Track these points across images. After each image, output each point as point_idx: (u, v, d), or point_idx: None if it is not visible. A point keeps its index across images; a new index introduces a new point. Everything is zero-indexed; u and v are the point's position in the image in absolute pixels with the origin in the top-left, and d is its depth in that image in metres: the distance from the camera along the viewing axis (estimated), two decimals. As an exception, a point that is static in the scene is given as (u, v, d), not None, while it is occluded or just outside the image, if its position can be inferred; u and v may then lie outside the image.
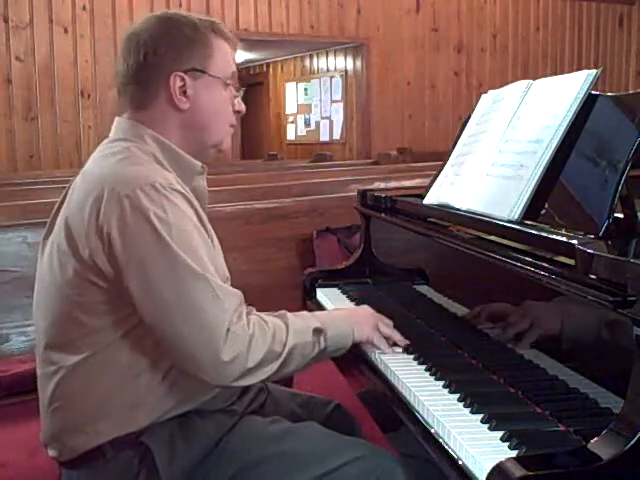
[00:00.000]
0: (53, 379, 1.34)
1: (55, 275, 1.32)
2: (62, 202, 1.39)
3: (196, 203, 1.35)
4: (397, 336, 1.52)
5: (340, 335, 1.42)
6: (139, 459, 1.31)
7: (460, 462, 1.08)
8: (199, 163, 1.45)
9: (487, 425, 1.13)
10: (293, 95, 9.71)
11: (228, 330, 1.23)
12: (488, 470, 0.98)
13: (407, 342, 1.52)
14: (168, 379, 1.33)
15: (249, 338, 1.26)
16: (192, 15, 1.45)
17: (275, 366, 1.30)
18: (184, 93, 1.39)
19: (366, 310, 1.56)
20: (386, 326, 1.52)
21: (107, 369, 1.31)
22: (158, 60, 1.38)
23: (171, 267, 1.23)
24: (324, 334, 1.38)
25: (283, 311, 1.40)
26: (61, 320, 1.33)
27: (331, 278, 2.12)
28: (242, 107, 1.50)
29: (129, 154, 1.34)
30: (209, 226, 1.40)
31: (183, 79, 1.39)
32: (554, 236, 1.25)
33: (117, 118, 1.44)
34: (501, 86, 1.76)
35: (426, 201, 1.81)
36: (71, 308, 1.31)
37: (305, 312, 1.44)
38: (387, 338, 1.52)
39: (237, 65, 1.51)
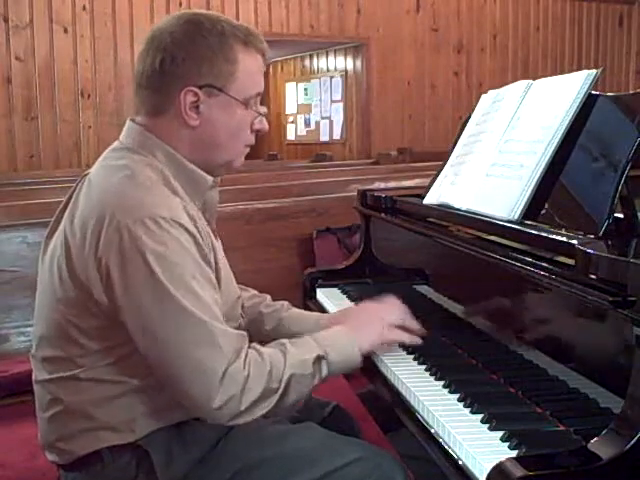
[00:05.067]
0: (47, 388, 1.33)
1: (55, 290, 1.29)
2: (67, 203, 1.35)
3: (200, 226, 1.29)
4: (411, 325, 1.48)
5: (344, 357, 1.35)
6: (136, 463, 1.30)
7: (460, 462, 1.08)
8: (211, 178, 1.37)
9: (487, 425, 1.13)
10: (293, 95, 9.71)
11: (225, 372, 1.20)
12: (488, 470, 0.98)
13: (418, 338, 1.48)
14: (165, 395, 1.30)
15: (244, 380, 1.22)
16: (224, 21, 1.33)
17: (273, 401, 1.26)
18: (196, 108, 1.30)
19: (370, 313, 1.50)
20: (395, 320, 1.48)
21: (102, 386, 1.29)
22: (174, 69, 1.29)
23: (168, 311, 1.19)
24: (326, 361, 1.32)
25: (283, 340, 1.34)
26: (58, 335, 1.30)
27: (331, 278, 2.12)
28: (264, 126, 1.40)
29: (135, 172, 1.27)
30: (217, 252, 1.36)
31: (196, 94, 1.29)
32: (554, 236, 1.25)
33: (129, 122, 1.38)
34: (501, 86, 1.76)
35: (426, 201, 1.81)
36: (68, 327, 1.28)
37: (306, 337, 1.37)
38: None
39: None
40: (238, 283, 1.70)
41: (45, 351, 1.34)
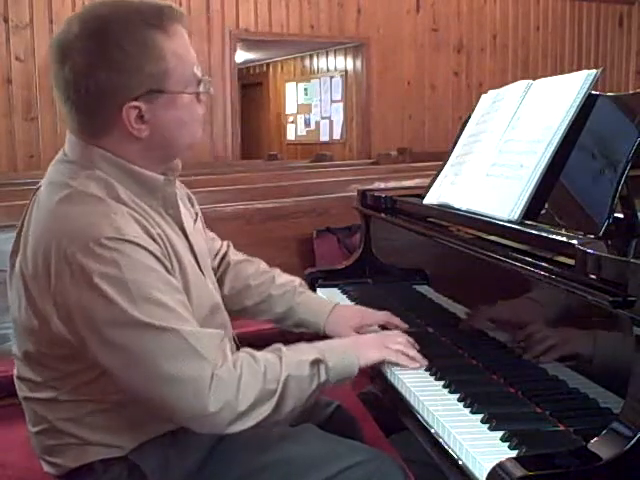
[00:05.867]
0: (31, 406, 1.32)
1: (23, 319, 1.26)
2: (24, 220, 1.29)
3: (153, 246, 1.20)
4: (411, 352, 1.42)
5: (342, 365, 1.31)
6: (128, 475, 1.28)
7: (460, 462, 1.08)
8: (162, 177, 1.30)
9: (487, 425, 1.13)
10: (293, 95, 9.72)
11: (213, 375, 1.16)
12: (488, 470, 0.98)
13: (425, 362, 1.41)
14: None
15: (237, 381, 1.17)
16: (128, 9, 1.19)
17: (272, 405, 1.20)
18: (141, 118, 1.21)
19: (373, 334, 1.49)
20: (397, 344, 1.42)
21: (82, 405, 1.26)
22: (103, 93, 1.18)
23: (133, 333, 1.14)
24: (324, 365, 1.28)
25: (278, 345, 1.30)
26: (29, 359, 1.28)
27: (331, 278, 2.12)
28: (210, 90, 1.31)
29: (77, 189, 1.21)
30: (181, 256, 1.29)
31: (137, 107, 1.20)
32: (554, 236, 1.25)
33: (70, 134, 1.28)
34: (501, 86, 1.76)
35: (426, 201, 1.81)
36: (36, 353, 1.26)
37: (303, 344, 1.33)
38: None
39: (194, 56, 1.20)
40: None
41: (21, 371, 1.32)
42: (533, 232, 1.31)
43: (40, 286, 1.19)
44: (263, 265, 1.68)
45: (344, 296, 1.99)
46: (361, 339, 1.45)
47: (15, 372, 1.35)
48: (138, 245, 1.17)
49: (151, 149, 1.27)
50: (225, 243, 1.69)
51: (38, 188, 1.31)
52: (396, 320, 1.63)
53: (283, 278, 1.66)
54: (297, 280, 1.67)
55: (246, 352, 1.25)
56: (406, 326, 1.62)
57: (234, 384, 1.18)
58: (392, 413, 1.38)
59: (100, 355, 1.18)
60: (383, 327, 1.63)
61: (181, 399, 1.16)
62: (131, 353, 1.16)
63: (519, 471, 0.93)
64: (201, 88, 1.29)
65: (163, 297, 1.17)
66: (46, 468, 1.36)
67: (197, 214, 1.52)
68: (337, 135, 8.76)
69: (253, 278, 1.63)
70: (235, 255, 1.68)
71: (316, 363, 1.28)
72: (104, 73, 1.18)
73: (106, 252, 1.14)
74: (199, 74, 1.29)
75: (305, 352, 1.29)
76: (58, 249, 1.16)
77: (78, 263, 1.14)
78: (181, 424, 1.22)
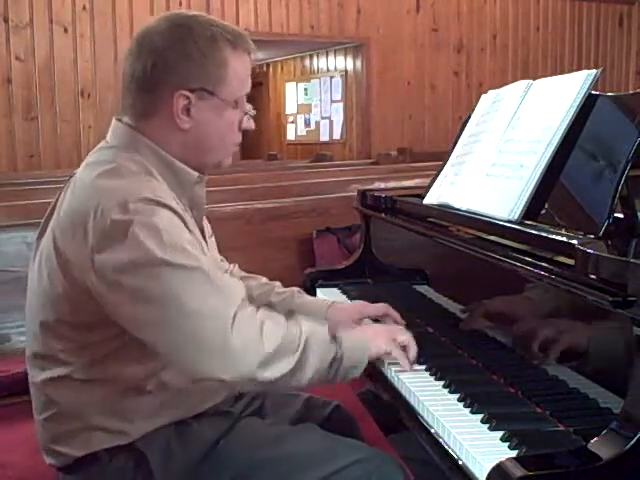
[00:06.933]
0: (41, 389, 1.34)
1: (45, 289, 1.30)
2: (55, 204, 1.35)
3: (187, 218, 1.29)
4: (412, 354, 1.41)
5: (356, 348, 1.33)
6: (134, 464, 1.30)
7: (460, 462, 1.08)
8: (196, 173, 1.37)
9: (487, 425, 1.13)
10: (293, 95, 9.71)
11: (235, 314, 1.18)
12: (488, 470, 0.98)
13: (415, 366, 1.41)
14: (160, 393, 1.31)
15: (260, 323, 1.21)
16: (213, 24, 1.33)
17: (293, 360, 1.22)
18: (187, 111, 1.31)
19: (380, 325, 1.52)
20: (403, 341, 1.42)
21: (95, 383, 1.29)
22: (166, 72, 1.29)
23: (159, 270, 1.17)
24: (339, 341, 1.30)
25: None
26: (49, 332, 1.31)
27: (331, 278, 2.12)
28: (251, 125, 1.41)
29: (118, 164, 1.28)
30: (202, 241, 1.36)
31: (188, 98, 1.30)
32: (554, 236, 1.25)
33: (115, 121, 1.37)
34: (501, 86, 1.76)
35: (426, 201, 1.81)
36: (58, 325, 1.29)
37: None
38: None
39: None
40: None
41: (37, 349, 1.34)
42: (533, 232, 1.31)
43: (76, 246, 1.22)
44: (264, 279, 1.74)
45: (344, 296, 1.99)
46: (370, 329, 1.47)
47: (27, 353, 1.37)
48: (174, 212, 1.24)
49: (187, 146, 1.34)
50: (232, 265, 1.74)
51: (72, 175, 1.36)
52: (394, 313, 1.64)
53: (282, 289, 1.71)
54: (295, 288, 1.72)
55: (264, 308, 1.29)
56: (404, 322, 1.63)
57: (257, 326, 1.21)
58: (391, 413, 1.38)
59: (127, 306, 1.19)
60: (377, 320, 1.65)
61: (203, 334, 1.17)
62: (155, 294, 1.17)
63: (519, 471, 0.93)
64: (245, 117, 1.39)
65: (192, 250, 1.22)
66: (50, 460, 1.37)
67: (212, 232, 1.58)
68: (337, 135, 8.76)
69: (255, 289, 1.68)
70: (239, 273, 1.74)
71: (332, 338, 1.30)
72: (174, 56, 1.29)
73: (143, 205, 1.20)
74: (248, 107, 1.39)
75: (320, 325, 1.34)
76: (97, 209, 1.20)
77: (117, 216, 1.18)
78: (206, 373, 1.20)
